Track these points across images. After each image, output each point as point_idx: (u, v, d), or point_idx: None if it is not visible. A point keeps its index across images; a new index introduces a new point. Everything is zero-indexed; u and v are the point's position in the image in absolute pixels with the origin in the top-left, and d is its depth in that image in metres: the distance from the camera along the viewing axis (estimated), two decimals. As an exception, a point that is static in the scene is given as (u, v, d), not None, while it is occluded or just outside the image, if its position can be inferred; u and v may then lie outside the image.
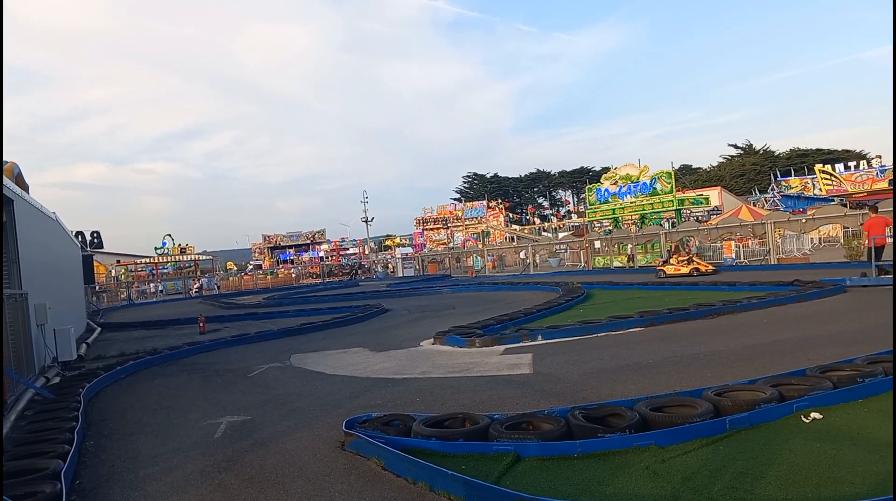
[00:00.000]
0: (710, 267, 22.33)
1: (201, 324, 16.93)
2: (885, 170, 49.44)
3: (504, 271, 40.76)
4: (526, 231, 66.49)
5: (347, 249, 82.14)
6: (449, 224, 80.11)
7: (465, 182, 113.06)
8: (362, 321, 16.63)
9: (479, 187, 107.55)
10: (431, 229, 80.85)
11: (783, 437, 4.48)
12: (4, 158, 6.70)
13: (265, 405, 7.39)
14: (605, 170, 51.77)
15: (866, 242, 15.51)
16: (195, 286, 47.31)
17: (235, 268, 77.36)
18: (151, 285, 51.63)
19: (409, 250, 70.53)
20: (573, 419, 4.86)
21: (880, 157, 53.41)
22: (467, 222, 78.41)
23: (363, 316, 17.11)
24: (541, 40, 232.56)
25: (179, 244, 67.92)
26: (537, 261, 39.45)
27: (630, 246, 33.56)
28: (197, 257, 67.70)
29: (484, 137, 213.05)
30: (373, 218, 64.85)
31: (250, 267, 78.20)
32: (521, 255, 41.04)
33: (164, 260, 66.78)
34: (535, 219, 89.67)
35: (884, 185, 46.47)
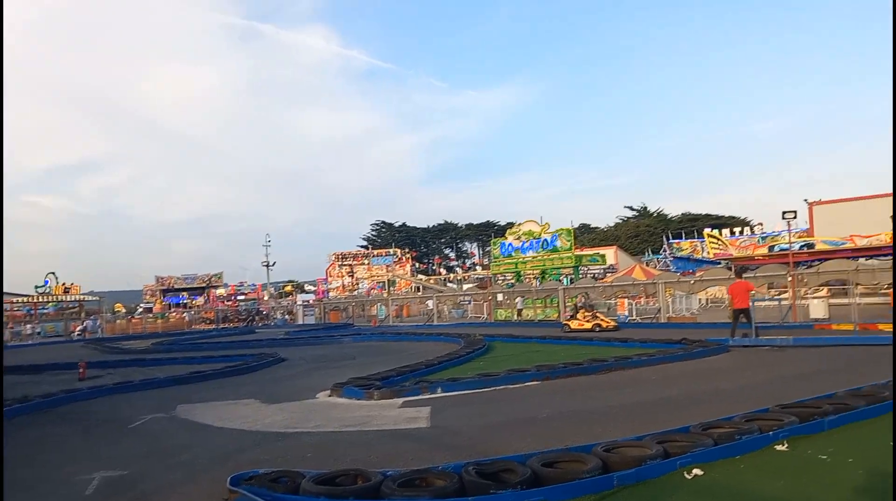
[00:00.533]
0: (613, 323, 22.99)
1: (81, 370, 15.74)
2: (766, 236, 53.69)
3: (407, 321, 40.64)
4: (432, 281, 66.91)
5: (246, 293, 79.61)
6: (355, 270, 79.64)
7: (373, 230, 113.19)
8: (256, 370, 15.97)
9: (388, 236, 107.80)
10: (349, 265, 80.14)
11: (668, 493, 4.61)
12: None
13: (147, 458, 6.91)
14: (510, 225, 53.31)
15: (731, 305, 16.50)
16: (77, 329, 44.24)
17: (124, 310, 73.14)
18: (28, 326, 47.82)
19: (311, 296, 69.03)
20: (466, 476, 4.82)
21: (762, 224, 58.02)
22: (373, 270, 78.14)
23: (257, 365, 16.45)
24: (451, 95, 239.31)
25: (63, 284, 63.43)
26: (445, 312, 39.65)
27: (519, 299, 34.31)
28: (82, 297, 63.41)
29: (393, 186, 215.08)
30: (274, 263, 63.26)
31: (140, 310, 74.14)
32: (429, 305, 41.19)
33: (45, 300, 62.11)
34: (441, 270, 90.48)
35: (764, 250, 50.21)
